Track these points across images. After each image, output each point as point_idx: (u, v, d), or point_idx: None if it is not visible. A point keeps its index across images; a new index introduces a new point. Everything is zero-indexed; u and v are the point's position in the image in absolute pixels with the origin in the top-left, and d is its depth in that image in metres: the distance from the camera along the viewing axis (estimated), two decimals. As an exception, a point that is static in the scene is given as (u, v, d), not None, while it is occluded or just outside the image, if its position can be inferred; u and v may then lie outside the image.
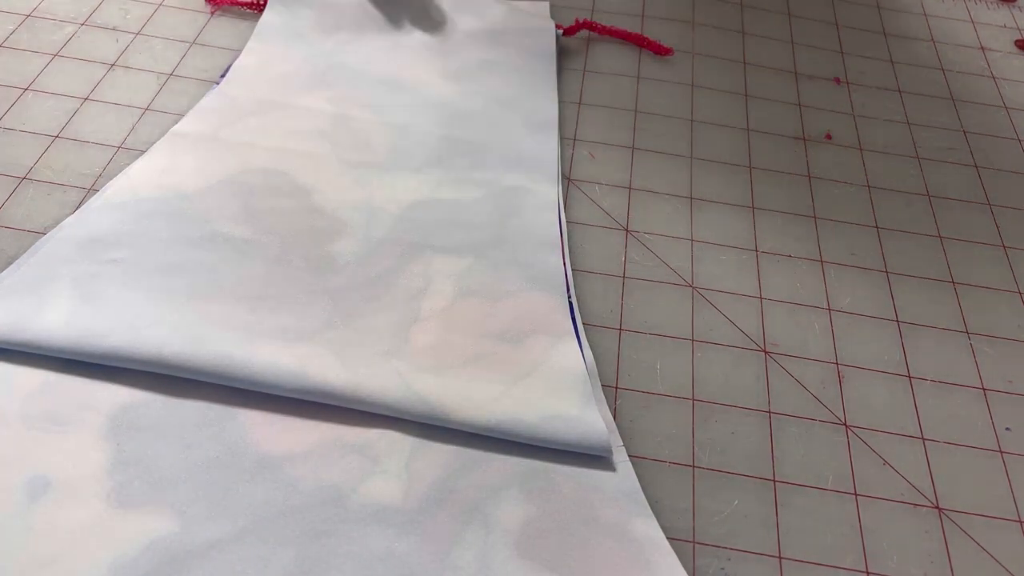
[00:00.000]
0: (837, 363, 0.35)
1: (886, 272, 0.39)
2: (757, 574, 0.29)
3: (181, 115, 0.41)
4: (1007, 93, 0.50)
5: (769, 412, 0.33)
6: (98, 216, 0.35)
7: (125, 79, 0.43)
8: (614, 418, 0.32)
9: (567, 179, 0.41)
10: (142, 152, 0.39)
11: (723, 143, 0.44)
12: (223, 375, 0.30)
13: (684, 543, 0.29)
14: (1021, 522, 0.31)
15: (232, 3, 0.48)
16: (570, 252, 0.38)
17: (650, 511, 0.29)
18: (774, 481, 0.31)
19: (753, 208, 0.41)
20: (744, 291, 0.37)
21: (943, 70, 0.51)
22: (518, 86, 0.44)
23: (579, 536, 0.28)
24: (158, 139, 0.39)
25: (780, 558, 0.29)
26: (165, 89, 0.43)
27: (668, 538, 0.28)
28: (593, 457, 0.30)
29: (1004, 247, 0.41)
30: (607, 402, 0.32)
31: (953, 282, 0.39)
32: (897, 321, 0.37)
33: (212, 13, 0.48)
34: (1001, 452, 0.33)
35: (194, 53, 0.45)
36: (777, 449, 0.32)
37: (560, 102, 0.45)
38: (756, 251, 0.39)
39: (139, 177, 0.37)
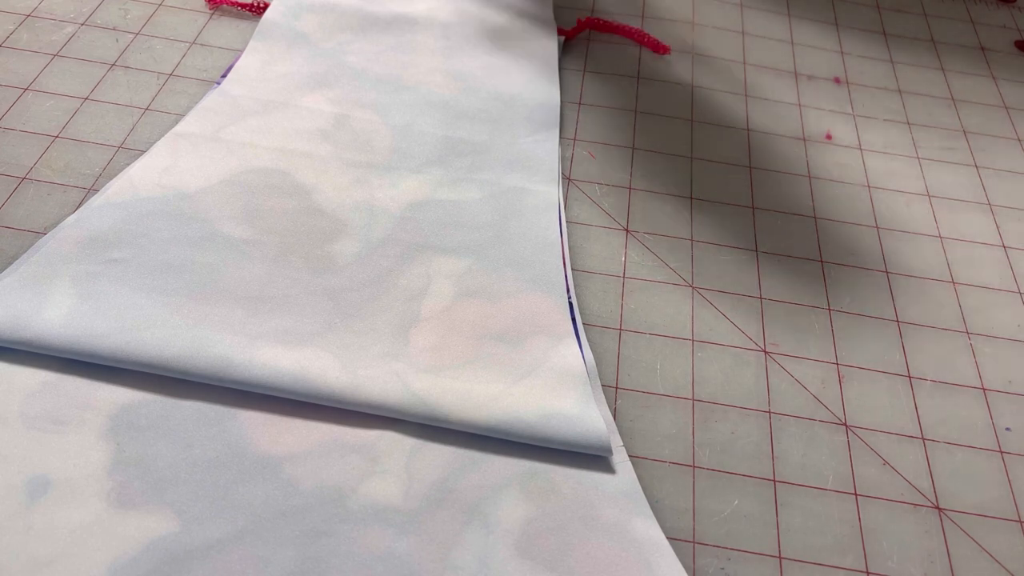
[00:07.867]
0: (837, 363, 0.35)
1: (886, 272, 0.39)
2: (757, 574, 0.29)
3: (181, 115, 0.41)
4: (1007, 93, 0.50)
5: (769, 412, 0.33)
6: (98, 216, 0.35)
7: (125, 79, 0.43)
8: (614, 418, 0.32)
9: (567, 179, 0.41)
10: (142, 152, 0.39)
11: (723, 143, 0.44)
12: (223, 377, 0.30)
13: (684, 543, 0.29)
14: (1021, 522, 0.31)
15: (232, 3, 0.48)
16: (570, 252, 0.38)
17: (650, 511, 0.29)
18: (774, 481, 0.31)
19: (753, 208, 0.41)
20: (744, 291, 0.37)
21: (943, 70, 0.51)
22: (519, 86, 0.44)
23: (579, 536, 0.28)
24: (158, 139, 0.39)
25: (780, 558, 0.29)
26: (165, 89, 0.43)
27: (668, 538, 0.28)
28: (593, 457, 0.30)
29: (1004, 247, 0.41)
30: (607, 402, 0.32)
31: (953, 282, 0.39)
32: (897, 321, 0.37)
33: (212, 13, 0.48)
34: (1001, 452, 0.33)
35: (194, 53, 0.45)
36: (777, 449, 0.32)
37: (560, 102, 0.45)
38: (756, 251, 0.39)
39: (140, 177, 0.37)
